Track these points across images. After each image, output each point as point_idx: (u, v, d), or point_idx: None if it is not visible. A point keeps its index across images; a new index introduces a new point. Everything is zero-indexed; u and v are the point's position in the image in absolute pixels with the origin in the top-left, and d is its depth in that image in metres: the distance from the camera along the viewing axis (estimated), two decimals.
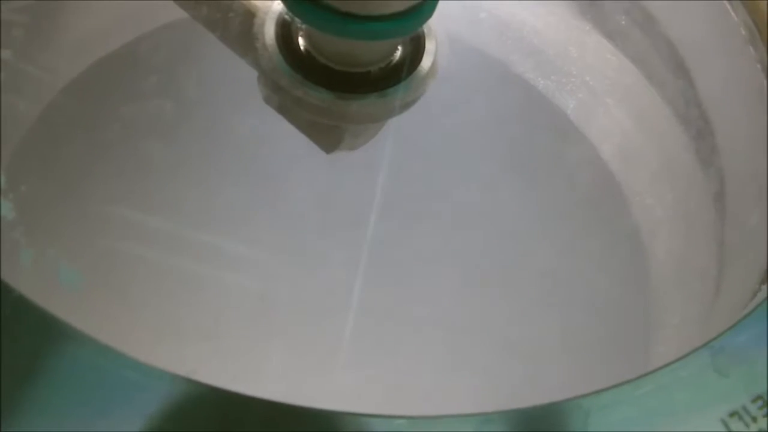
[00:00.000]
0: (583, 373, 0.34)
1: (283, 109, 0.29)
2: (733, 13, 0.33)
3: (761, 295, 0.26)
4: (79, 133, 0.37)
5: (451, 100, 0.36)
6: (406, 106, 0.29)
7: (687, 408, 0.21)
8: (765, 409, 0.21)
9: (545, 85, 0.42)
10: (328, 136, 0.29)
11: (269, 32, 0.28)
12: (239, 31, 0.29)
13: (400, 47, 0.29)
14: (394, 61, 0.29)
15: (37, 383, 0.19)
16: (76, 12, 0.38)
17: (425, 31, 0.29)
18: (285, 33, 0.28)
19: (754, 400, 0.21)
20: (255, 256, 0.35)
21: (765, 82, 0.32)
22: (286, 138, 0.30)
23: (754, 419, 0.20)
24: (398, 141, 0.31)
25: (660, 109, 0.39)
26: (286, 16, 0.28)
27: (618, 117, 0.40)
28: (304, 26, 0.28)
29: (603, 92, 0.41)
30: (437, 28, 0.29)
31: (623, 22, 0.39)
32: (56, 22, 0.37)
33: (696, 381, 0.21)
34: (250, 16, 0.29)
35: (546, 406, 0.20)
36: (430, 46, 0.29)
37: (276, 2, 0.28)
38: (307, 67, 0.28)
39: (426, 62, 0.29)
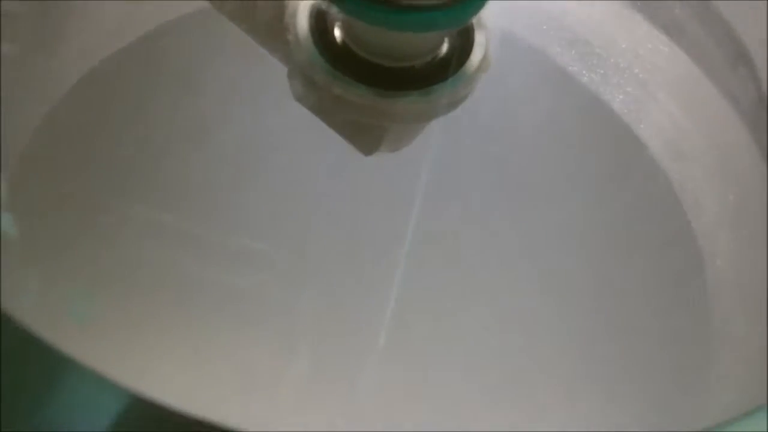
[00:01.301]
0: (643, 393, 0.31)
1: (317, 108, 0.27)
2: None
3: None
4: (86, 135, 0.35)
5: (498, 97, 0.34)
6: (453, 104, 0.26)
7: None
8: None
9: (590, 78, 0.39)
10: (366, 136, 0.27)
11: (302, 23, 0.26)
12: (268, 23, 0.26)
13: (447, 39, 0.26)
14: (441, 55, 0.26)
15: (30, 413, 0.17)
16: (84, 4, 0.35)
17: (474, 21, 0.26)
18: (320, 24, 0.26)
19: None
20: (276, 262, 0.32)
21: None
22: (320, 139, 0.28)
23: None
24: (443, 142, 0.28)
25: (717, 103, 0.36)
26: (322, 6, 0.26)
27: (671, 112, 0.38)
28: (341, 16, 0.25)
29: (654, 86, 0.38)
30: (488, 17, 0.26)
31: (677, 10, 0.37)
32: (63, 16, 0.35)
33: None
34: (280, 5, 0.26)
35: None
36: (480, 38, 0.26)
37: None
38: (345, 62, 0.26)
39: (476, 56, 0.26)
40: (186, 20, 0.36)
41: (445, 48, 0.26)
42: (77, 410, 0.17)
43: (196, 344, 0.31)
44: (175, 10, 0.36)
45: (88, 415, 0.17)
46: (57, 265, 0.30)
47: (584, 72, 0.39)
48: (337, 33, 0.26)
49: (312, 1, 0.26)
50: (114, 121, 0.35)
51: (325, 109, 0.26)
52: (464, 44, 0.26)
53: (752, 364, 0.33)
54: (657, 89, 0.38)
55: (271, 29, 0.26)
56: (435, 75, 0.26)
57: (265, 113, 0.33)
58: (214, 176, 0.33)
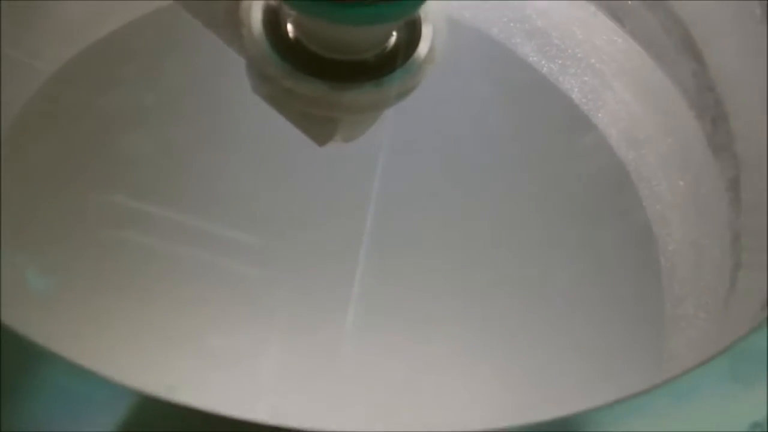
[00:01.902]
0: (596, 371, 0.32)
1: (272, 100, 0.28)
2: None
3: None
4: (66, 124, 0.35)
5: (450, 86, 0.34)
6: (402, 94, 0.27)
7: (707, 420, 0.19)
8: None
9: (549, 68, 0.40)
10: (321, 127, 0.28)
11: (256, 18, 0.27)
12: (225, 17, 0.27)
13: (395, 33, 0.27)
14: (389, 48, 0.27)
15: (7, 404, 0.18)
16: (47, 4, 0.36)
17: (421, 15, 0.27)
18: (272, 19, 0.27)
19: None
20: (248, 247, 0.33)
21: None
22: (277, 129, 0.29)
23: None
24: (395, 131, 0.29)
25: (670, 92, 0.37)
26: (273, 1, 0.27)
27: (626, 101, 0.39)
28: (292, 12, 0.26)
29: (610, 75, 0.39)
30: (434, 10, 0.27)
31: (630, 2, 0.38)
32: (41, 9, 0.36)
33: (716, 390, 0.20)
34: (235, 1, 0.27)
35: (559, 420, 0.19)
36: (426, 30, 0.27)
37: None
38: (297, 56, 0.26)
39: (423, 48, 0.27)
40: (157, 15, 0.37)
41: (393, 41, 0.27)
42: (52, 400, 0.18)
43: (169, 326, 0.32)
44: (144, 7, 0.37)
45: (65, 405, 0.18)
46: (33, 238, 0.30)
47: (543, 62, 0.40)
48: (290, 28, 0.27)
49: None
50: (88, 109, 0.35)
51: (280, 101, 0.27)
52: (411, 37, 0.27)
53: (701, 344, 0.34)
54: (613, 79, 0.39)
55: (228, 24, 0.27)
56: (384, 67, 0.27)
57: (226, 104, 0.34)
58: (179, 163, 0.34)
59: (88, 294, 0.32)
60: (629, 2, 0.38)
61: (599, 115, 0.40)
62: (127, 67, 0.36)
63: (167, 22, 0.37)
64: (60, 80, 0.36)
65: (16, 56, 0.35)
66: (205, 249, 0.33)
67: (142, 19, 0.38)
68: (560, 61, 0.40)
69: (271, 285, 0.33)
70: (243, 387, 0.31)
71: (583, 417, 0.19)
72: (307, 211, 0.33)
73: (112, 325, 0.31)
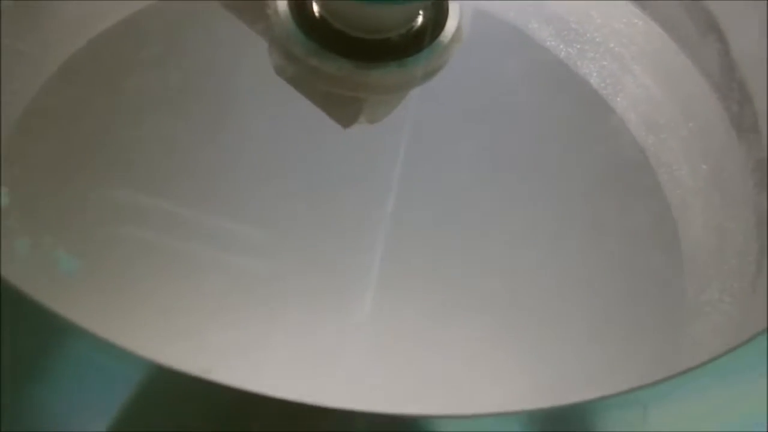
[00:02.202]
0: (620, 356, 0.32)
1: (296, 81, 0.27)
2: None
3: None
4: (78, 113, 0.35)
5: (474, 69, 0.34)
6: (428, 74, 0.27)
7: (750, 397, 0.19)
8: None
9: (567, 53, 0.40)
10: (345, 108, 0.27)
11: None
12: None
13: (421, 12, 0.27)
14: (416, 27, 0.27)
15: (34, 380, 0.18)
16: None
17: None
18: None
19: None
20: (266, 236, 0.33)
21: None
22: (300, 111, 0.28)
23: None
24: (420, 112, 0.29)
25: (692, 75, 0.37)
26: None
27: (646, 85, 0.38)
28: None
29: (630, 59, 0.39)
30: None
31: None
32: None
33: (757, 370, 0.19)
34: None
35: (602, 400, 0.18)
36: (453, 10, 0.27)
37: None
38: (323, 35, 0.26)
39: (450, 27, 0.27)
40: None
41: (420, 20, 0.27)
42: (77, 374, 0.18)
43: (185, 309, 0.32)
44: None
45: (89, 379, 0.18)
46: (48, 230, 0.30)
47: (561, 47, 0.40)
48: (315, 7, 0.26)
49: None
50: (101, 98, 0.35)
51: (304, 81, 0.27)
52: (438, 16, 0.27)
53: (726, 329, 0.33)
54: (632, 63, 0.39)
55: (250, 4, 0.27)
56: (410, 46, 0.26)
57: (246, 87, 0.33)
58: (196, 151, 0.34)
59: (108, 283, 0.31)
60: None
61: (618, 99, 0.39)
62: (143, 54, 0.36)
63: (184, 5, 0.36)
64: (71, 70, 0.36)
65: (22, 48, 0.34)
66: (218, 243, 0.33)
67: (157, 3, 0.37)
68: (578, 46, 0.40)
69: (288, 274, 0.33)
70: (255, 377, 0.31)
71: (612, 400, 0.19)
72: (329, 193, 0.33)
73: (114, 321, 0.31)
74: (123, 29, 0.37)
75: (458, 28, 0.27)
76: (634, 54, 0.39)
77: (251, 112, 0.33)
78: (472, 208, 0.34)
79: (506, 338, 0.33)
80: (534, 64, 0.39)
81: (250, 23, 0.27)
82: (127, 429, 0.17)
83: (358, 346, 0.32)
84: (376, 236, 0.32)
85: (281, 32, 0.26)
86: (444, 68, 0.27)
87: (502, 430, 0.18)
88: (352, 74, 0.26)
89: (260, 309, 0.32)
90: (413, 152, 0.31)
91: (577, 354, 0.33)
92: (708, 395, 0.19)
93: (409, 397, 0.31)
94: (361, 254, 0.32)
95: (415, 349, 0.32)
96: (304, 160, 0.33)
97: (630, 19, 0.38)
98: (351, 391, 0.30)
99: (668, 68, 0.38)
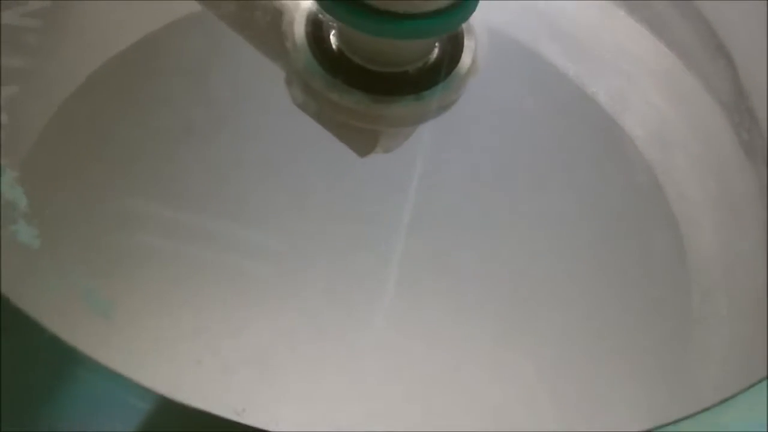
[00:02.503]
0: (628, 373, 0.33)
1: (314, 112, 0.28)
2: None
3: None
4: (96, 130, 0.36)
5: (486, 94, 0.35)
6: (444, 107, 0.27)
7: None
8: None
9: (576, 71, 0.40)
10: (362, 139, 0.28)
11: (299, 31, 0.27)
12: (267, 31, 0.27)
13: (437, 45, 0.27)
14: (432, 60, 0.27)
15: (39, 406, 0.18)
16: (91, 4, 0.36)
17: (464, 26, 0.27)
18: (316, 32, 0.27)
19: None
20: (278, 260, 0.34)
21: None
22: (316, 139, 0.29)
23: None
24: (435, 143, 0.29)
25: (699, 93, 0.37)
26: (319, 15, 0.26)
27: (654, 102, 0.39)
28: (336, 25, 0.26)
29: (638, 78, 0.39)
30: (476, 23, 0.27)
31: (658, 5, 0.38)
32: (71, 15, 0.36)
33: None
34: (278, 14, 0.27)
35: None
36: (469, 42, 0.27)
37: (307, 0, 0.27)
38: (341, 68, 0.26)
39: (465, 60, 0.27)
40: (188, 21, 0.37)
41: (436, 53, 0.27)
42: (86, 405, 0.18)
43: (202, 325, 0.32)
44: (174, 12, 0.37)
45: (98, 410, 0.18)
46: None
47: (570, 65, 0.40)
48: (333, 41, 0.27)
49: (308, 10, 0.27)
50: (118, 115, 0.36)
51: (323, 113, 0.27)
52: (454, 49, 0.27)
53: (735, 345, 0.34)
54: (640, 81, 0.39)
55: (269, 37, 0.27)
56: (427, 79, 0.27)
57: (265, 116, 0.34)
58: (216, 176, 0.34)
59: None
60: (658, 4, 0.38)
61: (626, 116, 0.40)
62: (161, 76, 0.36)
63: (201, 27, 0.37)
64: (89, 88, 0.36)
65: (45, 66, 0.35)
66: (235, 251, 0.33)
67: (174, 25, 0.38)
68: (587, 64, 0.40)
69: (301, 285, 0.33)
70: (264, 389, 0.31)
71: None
72: (346, 219, 0.33)
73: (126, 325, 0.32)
74: (140, 50, 0.37)
75: (474, 61, 0.27)
76: (642, 73, 0.39)
77: (272, 140, 0.34)
78: (486, 224, 0.35)
79: (520, 355, 0.34)
80: (545, 83, 0.39)
81: (271, 57, 0.27)
82: None
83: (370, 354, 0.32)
84: (389, 257, 0.32)
85: (300, 66, 0.26)
86: (459, 100, 0.27)
87: None
88: (369, 108, 0.26)
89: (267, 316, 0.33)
90: (427, 180, 0.31)
91: (585, 368, 0.34)
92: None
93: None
94: (372, 274, 0.33)
95: (427, 354, 0.33)
96: (322, 186, 0.34)
97: (638, 39, 0.39)
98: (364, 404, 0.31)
99: (676, 88, 0.38)
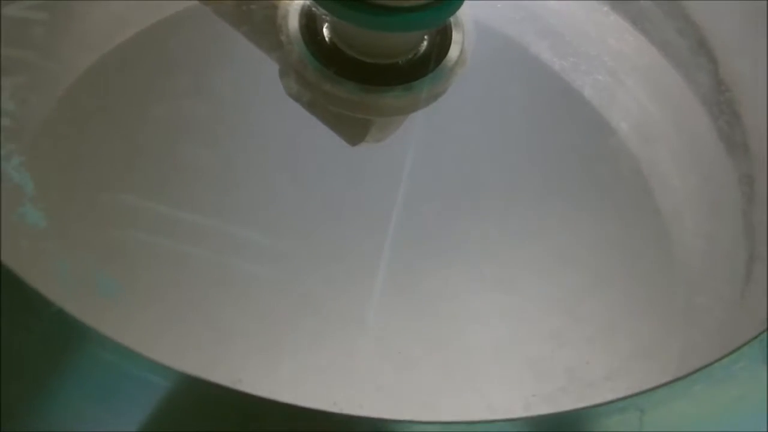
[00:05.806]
0: (617, 362, 0.33)
1: (307, 102, 0.29)
2: None
3: None
4: (96, 122, 0.36)
5: (474, 87, 0.35)
6: (433, 97, 0.28)
7: (742, 403, 0.20)
8: None
9: (561, 66, 0.41)
10: (353, 128, 0.29)
11: (293, 24, 0.28)
12: (262, 24, 0.28)
13: (426, 38, 0.28)
14: (421, 52, 0.28)
15: (50, 382, 0.18)
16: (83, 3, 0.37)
17: (452, 20, 0.28)
18: (310, 25, 0.28)
19: None
20: (275, 249, 0.34)
21: None
22: (309, 129, 0.30)
23: None
24: (424, 132, 0.30)
25: (682, 89, 0.38)
26: (312, 8, 0.27)
27: (638, 98, 0.40)
28: (329, 18, 0.27)
29: (622, 73, 0.40)
30: (465, 16, 0.28)
31: (642, 2, 0.39)
32: (74, 8, 0.37)
33: (750, 375, 0.21)
34: (272, 8, 0.28)
35: (599, 407, 0.20)
36: (457, 35, 0.28)
37: None
38: (333, 60, 0.27)
39: (454, 53, 0.28)
40: (183, 16, 0.38)
41: (425, 46, 0.28)
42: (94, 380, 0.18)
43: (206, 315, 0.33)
44: (173, 6, 0.38)
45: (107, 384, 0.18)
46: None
47: (556, 60, 0.41)
48: (326, 33, 0.28)
49: (302, 3, 0.28)
50: (118, 108, 0.36)
51: (315, 103, 0.28)
52: (443, 42, 0.28)
53: (718, 335, 0.35)
54: (625, 76, 0.40)
55: (264, 30, 0.28)
56: (416, 71, 0.28)
57: (258, 107, 0.35)
58: (213, 166, 0.35)
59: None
60: (642, 2, 0.39)
61: (611, 110, 0.41)
62: (158, 68, 0.37)
63: (199, 20, 0.37)
64: (89, 81, 0.37)
65: (45, 59, 0.36)
66: (237, 250, 0.34)
67: (172, 18, 0.39)
68: (572, 59, 0.41)
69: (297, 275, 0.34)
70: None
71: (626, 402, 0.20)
72: (337, 207, 0.34)
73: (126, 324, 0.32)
74: (139, 43, 0.38)
75: (462, 53, 0.28)
76: (627, 68, 0.40)
77: (266, 130, 0.35)
78: (474, 219, 0.36)
79: (509, 347, 0.34)
80: (531, 78, 0.40)
81: (265, 50, 0.28)
82: None
83: (367, 350, 0.33)
84: (380, 245, 0.33)
85: (294, 58, 0.27)
86: (448, 91, 0.28)
87: None
88: (361, 97, 0.27)
89: (273, 315, 0.33)
90: (417, 168, 0.32)
91: (579, 360, 0.35)
92: (702, 400, 0.20)
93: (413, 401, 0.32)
94: (368, 263, 0.34)
95: (420, 354, 0.34)
96: (316, 175, 0.35)
97: (623, 34, 0.40)
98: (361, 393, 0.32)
99: (659, 82, 0.39)
